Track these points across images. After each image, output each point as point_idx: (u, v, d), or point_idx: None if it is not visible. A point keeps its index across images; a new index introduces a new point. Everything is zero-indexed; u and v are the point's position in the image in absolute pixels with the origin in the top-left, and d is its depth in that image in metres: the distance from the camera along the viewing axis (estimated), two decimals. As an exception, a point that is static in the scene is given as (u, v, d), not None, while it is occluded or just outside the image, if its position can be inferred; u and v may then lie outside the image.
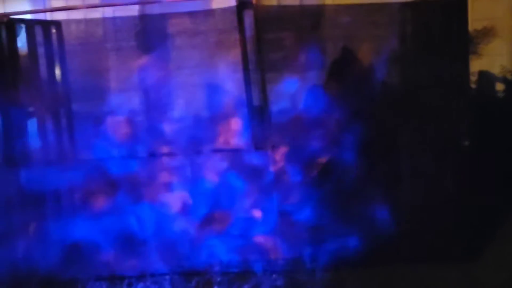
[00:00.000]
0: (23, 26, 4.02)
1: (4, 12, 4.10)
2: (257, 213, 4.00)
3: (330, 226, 3.86)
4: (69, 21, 4.46)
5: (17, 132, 3.99)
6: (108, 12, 6.24)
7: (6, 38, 3.89)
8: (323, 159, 3.97)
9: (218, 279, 3.86)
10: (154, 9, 5.91)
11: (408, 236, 3.91)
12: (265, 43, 4.03)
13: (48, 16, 5.57)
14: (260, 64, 4.03)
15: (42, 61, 4.19)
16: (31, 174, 4.00)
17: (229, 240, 3.98)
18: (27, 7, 8.03)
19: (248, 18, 4.02)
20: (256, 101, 4.06)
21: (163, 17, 4.54)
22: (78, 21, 4.57)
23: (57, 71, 4.28)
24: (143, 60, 4.26)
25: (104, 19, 5.30)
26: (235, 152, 4.04)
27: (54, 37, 4.23)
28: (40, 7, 7.95)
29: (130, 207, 4.02)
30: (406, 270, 3.83)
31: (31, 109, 4.10)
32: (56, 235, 4.04)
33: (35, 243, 4.01)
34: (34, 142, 4.07)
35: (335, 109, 3.96)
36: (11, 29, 3.91)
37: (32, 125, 4.08)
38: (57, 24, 4.30)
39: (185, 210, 4.01)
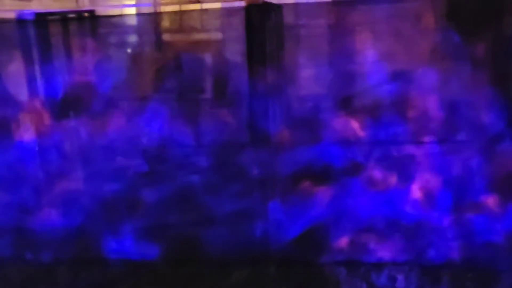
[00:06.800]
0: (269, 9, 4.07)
1: (259, -5, 4.17)
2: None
3: None
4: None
5: (262, 112, 4.06)
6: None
7: (259, 20, 3.96)
8: None
9: (470, 275, 3.72)
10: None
11: None
12: None
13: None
14: None
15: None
16: (274, 154, 4.07)
17: (476, 235, 3.82)
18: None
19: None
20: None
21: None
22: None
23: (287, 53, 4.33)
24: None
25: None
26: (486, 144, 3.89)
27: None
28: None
29: (370, 192, 3.98)
30: None
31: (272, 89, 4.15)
32: (294, 216, 4.07)
33: (273, 223, 4.08)
34: (274, 122, 4.12)
35: None
36: (264, 11, 3.98)
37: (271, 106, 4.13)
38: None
39: (431, 200, 3.90)
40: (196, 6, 4.71)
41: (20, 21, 4.16)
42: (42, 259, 4.15)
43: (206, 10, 4.66)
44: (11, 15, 4.57)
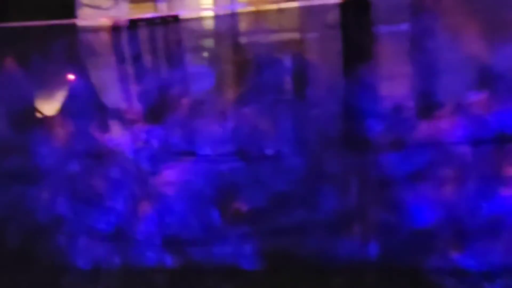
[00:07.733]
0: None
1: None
2: None
3: None
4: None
5: (360, 114, 3.90)
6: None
7: (355, 17, 3.82)
8: None
9: None
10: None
11: None
12: None
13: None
14: None
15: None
16: (373, 158, 3.89)
17: None
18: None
19: None
20: None
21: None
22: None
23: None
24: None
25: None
26: None
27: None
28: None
29: (477, 196, 3.73)
30: None
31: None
32: (396, 221, 3.87)
33: (370, 228, 3.91)
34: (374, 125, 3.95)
35: None
36: (361, 9, 3.84)
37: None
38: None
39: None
40: (283, 5, 4.62)
41: (115, 27, 4.20)
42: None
43: (293, 8, 4.57)
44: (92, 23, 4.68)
